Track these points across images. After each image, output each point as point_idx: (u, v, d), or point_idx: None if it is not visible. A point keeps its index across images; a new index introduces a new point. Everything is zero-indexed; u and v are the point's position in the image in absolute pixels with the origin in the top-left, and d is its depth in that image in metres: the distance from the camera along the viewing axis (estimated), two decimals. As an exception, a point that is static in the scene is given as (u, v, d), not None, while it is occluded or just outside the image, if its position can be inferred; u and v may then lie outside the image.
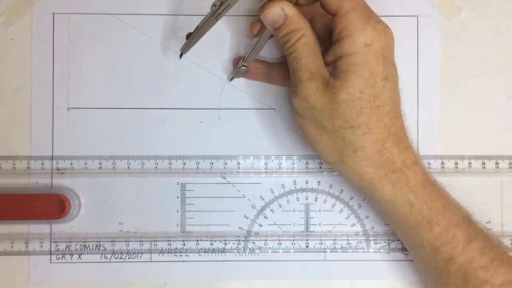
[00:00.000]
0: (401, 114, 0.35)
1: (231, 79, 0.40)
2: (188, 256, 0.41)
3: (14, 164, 0.40)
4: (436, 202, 0.35)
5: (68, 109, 0.41)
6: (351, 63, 0.33)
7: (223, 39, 0.41)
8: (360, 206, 0.41)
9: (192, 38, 0.37)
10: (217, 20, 0.35)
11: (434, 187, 0.35)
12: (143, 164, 0.40)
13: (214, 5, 0.35)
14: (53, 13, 0.41)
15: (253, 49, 0.37)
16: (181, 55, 0.38)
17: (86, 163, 0.40)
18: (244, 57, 0.38)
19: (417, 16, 0.41)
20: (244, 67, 0.38)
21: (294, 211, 0.41)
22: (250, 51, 0.38)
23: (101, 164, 0.40)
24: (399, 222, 0.36)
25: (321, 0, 0.34)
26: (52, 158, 0.40)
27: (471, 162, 0.41)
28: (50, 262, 0.40)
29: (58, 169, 0.40)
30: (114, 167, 0.40)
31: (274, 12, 0.34)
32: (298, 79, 0.34)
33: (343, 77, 0.33)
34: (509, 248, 0.37)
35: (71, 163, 0.40)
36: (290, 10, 0.34)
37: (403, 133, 0.35)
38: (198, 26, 0.36)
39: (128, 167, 0.40)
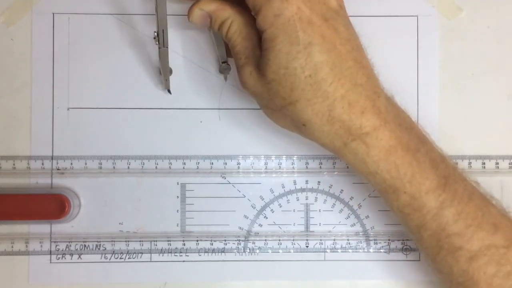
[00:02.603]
0: (352, 72, 0.31)
1: (225, 78, 0.41)
2: (188, 256, 0.41)
3: (14, 164, 0.40)
4: (404, 169, 0.32)
5: (68, 109, 0.41)
6: (268, 39, 0.31)
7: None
8: (360, 206, 0.41)
9: (162, 73, 0.38)
10: (167, 48, 0.36)
11: (405, 152, 0.32)
12: (143, 164, 0.40)
13: (154, 37, 0.35)
14: (53, 13, 0.41)
15: (218, 46, 0.38)
16: (169, 91, 0.40)
17: (86, 163, 0.40)
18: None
19: (417, 16, 0.41)
20: (224, 64, 0.39)
21: (294, 211, 0.41)
22: (216, 49, 0.38)
23: (101, 164, 0.40)
24: (372, 187, 0.34)
25: None
26: (52, 158, 0.40)
27: (471, 162, 0.41)
28: (50, 262, 0.40)
29: (58, 169, 0.40)
30: (114, 167, 0.40)
31: (196, 16, 0.33)
32: (237, 66, 0.34)
33: (265, 55, 0.31)
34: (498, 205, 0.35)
35: (71, 163, 0.40)
36: (209, 6, 0.33)
37: (356, 95, 0.31)
38: (159, 60, 0.37)
39: (128, 167, 0.40)
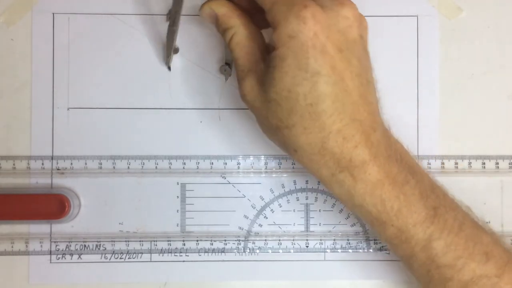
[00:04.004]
0: (354, 108, 0.31)
1: (225, 79, 0.41)
2: (188, 256, 0.41)
3: (14, 164, 0.40)
4: (391, 203, 0.32)
5: (68, 109, 0.41)
6: (278, 57, 0.30)
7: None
8: (360, 206, 0.41)
9: (166, 49, 0.38)
10: (175, 29, 0.36)
11: (392, 186, 0.32)
12: (143, 164, 0.40)
13: (166, 14, 0.36)
14: (53, 13, 0.41)
15: (226, 45, 0.38)
16: (169, 68, 0.40)
17: (86, 163, 0.40)
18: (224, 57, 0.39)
19: (417, 16, 0.41)
20: (226, 65, 0.39)
21: (294, 211, 0.41)
22: (225, 48, 0.38)
23: (101, 164, 0.40)
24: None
25: None
26: (52, 158, 0.40)
27: (471, 162, 0.41)
28: (50, 262, 0.40)
29: (58, 169, 0.40)
30: (114, 167, 0.40)
31: (206, 13, 0.33)
32: (238, 77, 0.33)
33: (271, 73, 0.31)
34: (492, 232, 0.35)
35: (71, 163, 0.40)
36: (219, 9, 0.33)
37: (352, 130, 0.31)
38: (166, 36, 0.37)
39: (128, 167, 0.40)
